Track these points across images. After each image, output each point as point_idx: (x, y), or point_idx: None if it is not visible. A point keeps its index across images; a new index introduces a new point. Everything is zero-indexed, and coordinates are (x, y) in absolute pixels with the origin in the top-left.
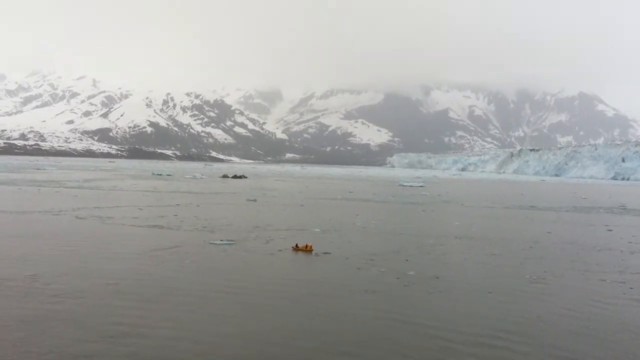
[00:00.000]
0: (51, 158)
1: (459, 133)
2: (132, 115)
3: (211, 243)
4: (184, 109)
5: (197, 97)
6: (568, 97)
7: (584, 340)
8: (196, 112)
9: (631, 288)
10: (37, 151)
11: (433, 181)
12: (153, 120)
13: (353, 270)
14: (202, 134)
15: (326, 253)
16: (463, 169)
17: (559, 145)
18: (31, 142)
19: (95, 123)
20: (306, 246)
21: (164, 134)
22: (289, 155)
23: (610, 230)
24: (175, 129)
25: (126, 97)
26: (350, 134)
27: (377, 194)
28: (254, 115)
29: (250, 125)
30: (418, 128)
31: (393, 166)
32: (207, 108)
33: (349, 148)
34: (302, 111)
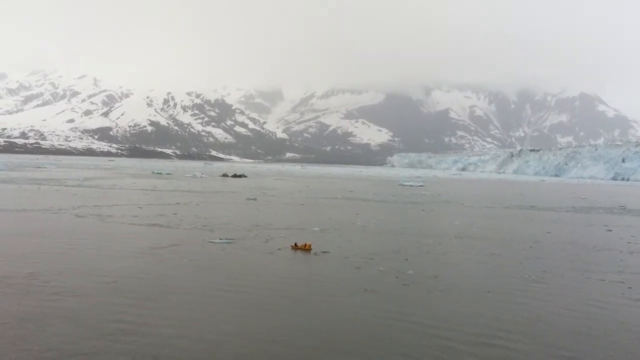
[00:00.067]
0: (51, 156)
1: (460, 133)
2: (133, 114)
3: (210, 242)
4: (184, 108)
5: (197, 96)
6: (569, 98)
7: (583, 340)
8: (197, 112)
9: (630, 288)
10: (37, 150)
11: (433, 181)
12: (153, 119)
13: (352, 269)
14: (203, 133)
15: (325, 252)
16: (463, 169)
17: (559, 146)
18: (32, 141)
19: (96, 122)
20: (305, 245)
21: (165, 133)
22: (289, 155)
23: (610, 231)
24: (176, 128)
25: (127, 96)
26: (350, 134)
27: (377, 193)
28: (254, 115)
29: (251, 125)
30: (418, 128)
31: (393, 166)
32: (207, 107)
33: (349, 148)
34: (303, 111)
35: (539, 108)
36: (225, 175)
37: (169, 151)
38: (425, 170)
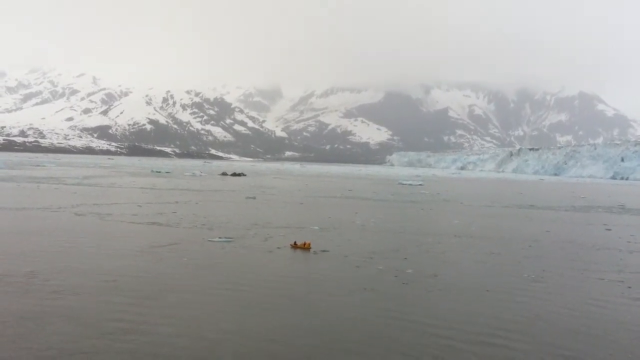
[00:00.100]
0: (50, 155)
1: (459, 132)
2: (132, 113)
3: (210, 240)
4: (183, 107)
5: (197, 95)
6: (568, 97)
7: (583, 339)
8: (196, 110)
9: (629, 287)
10: (36, 148)
11: (432, 180)
12: (153, 117)
13: (352, 268)
14: (202, 131)
15: (325, 251)
16: (462, 168)
17: (558, 145)
18: (31, 139)
19: (95, 120)
20: (304, 244)
21: (164, 131)
22: (288, 154)
23: (609, 230)
24: (175, 126)
25: (126, 94)
26: (349, 133)
27: (376, 192)
28: (253, 113)
29: (250, 123)
30: (418, 127)
31: (392, 165)
32: (207, 106)
33: (348, 146)
34: (302, 109)
35: (538, 107)
36: (224, 173)
37: (168, 149)
38: (425, 169)
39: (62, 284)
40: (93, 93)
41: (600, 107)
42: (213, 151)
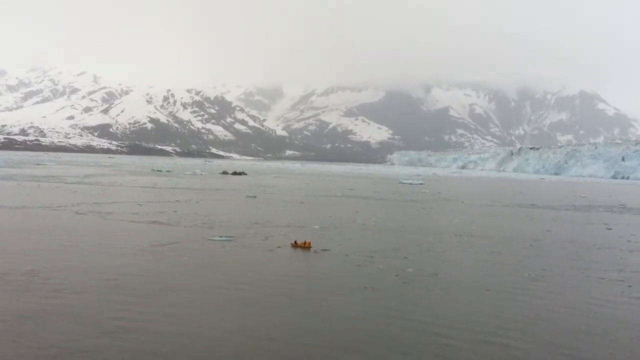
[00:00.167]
0: (51, 153)
1: (459, 131)
2: (133, 112)
3: (210, 239)
4: (184, 106)
5: (197, 93)
6: (569, 96)
7: (583, 338)
8: (196, 109)
9: (630, 286)
10: (37, 146)
11: (433, 179)
12: (153, 116)
13: (352, 267)
14: (202, 130)
15: (325, 250)
16: (463, 167)
17: (559, 144)
18: (31, 138)
19: (96, 119)
20: (305, 243)
21: (164, 130)
22: (289, 152)
23: (610, 229)
24: (176, 125)
25: (126, 93)
26: (350, 132)
27: (377, 191)
28: (254, 112)
29: (251, 122)
30: (418, 126)
31: (393, 164)
32: (207, 105)
33: (349, 145)
34: (303, 108)
35: (539, 106)
36: (225, 172)
37: (168, 148)
38: (425, 168)
39: (62, 283)
40: (94, 92)
41: (601, 106)
42: (214, 150)
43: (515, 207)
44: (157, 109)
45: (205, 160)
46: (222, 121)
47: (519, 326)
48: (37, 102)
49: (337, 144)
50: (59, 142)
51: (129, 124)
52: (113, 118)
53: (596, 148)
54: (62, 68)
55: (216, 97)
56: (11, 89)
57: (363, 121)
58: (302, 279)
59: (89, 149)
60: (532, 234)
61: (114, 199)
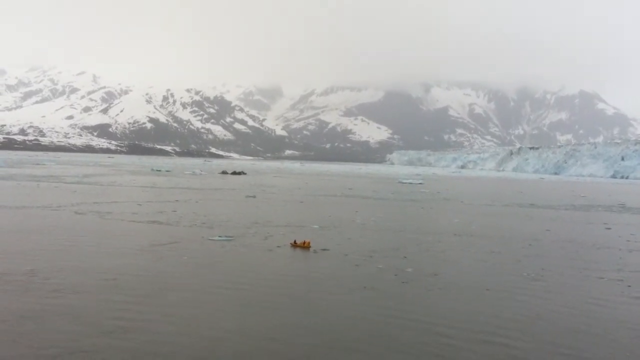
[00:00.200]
0: (50, 153)
1: (459, 131)
2: (132, 111)
3: (210, 239)
4: (183, 105)
5: (197, 93)
6: (568, 96)
7: (583, 338)
8: (196, 109)
9: (629, 286)
10: (36, 146)
11: (432, 179)
12: (153, 116)
13: (352, 267)
14: (202, 130)
15: (325, 250)
16: (462, 167)
17: (558, 144)
18: (31, 137)
19: (95, 118)
20: (304, 242)
21: (164, 129)
22: (288, 152)
23: (609, 229)
24: (175, 125)
25: (126, 92)
26: (350, 131)
27: (376, 191)
28: (253, 112)
29: (250, 122)
30: (418, 125)
31: (392, 163)
32: (207, 104)
33: (348, 145)
34: (302, 108)
35: (538, 106)
36: (224, 172)
37: (168, 148)
38: (425, 167)
39: (62, 283)
40: (93, 91)
41: (601, 105)
42: (213, 150)
43: (515, 207)
44: (156, 108)
45: (205, 160)
46: (222, 121)
47: (519, 326)
48: (37, 102)
49: (336, 144)
50: (58, 141)
51: (129, 123)
52: (112, 118)
53: (596, 148)
54: (61, 68)
55: (216, 97)
56: (10, 88)
57: (362, 121)
58: (302, 279)
59: (88, 149)
60: (531, 233)
61: (114, 199)
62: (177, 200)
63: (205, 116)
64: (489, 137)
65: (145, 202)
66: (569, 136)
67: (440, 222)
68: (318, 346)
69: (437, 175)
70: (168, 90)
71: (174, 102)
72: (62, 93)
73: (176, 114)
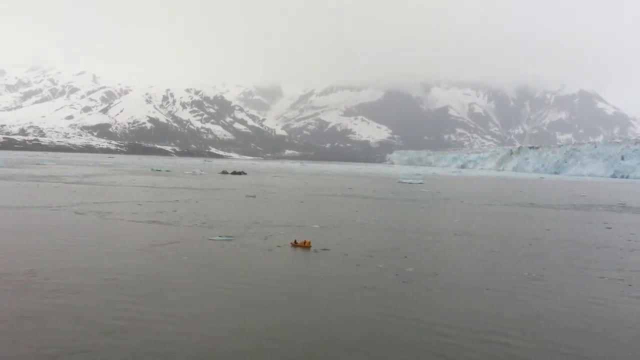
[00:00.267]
0: (50, 153)
1: (459, 130)
2: (132, 111)
3: (210, 239)
4: (183, 105)
5: (196, 93)
6: (568, 95)
7: (583, 337)
8: (196, 108)
9: (630, 285)
10: (36, 146)
11: (432, 178)
12: (152, 116)
13: (352, 266)
14: (202, 130)
15: (325, 249)
16: (462, 166)
17: (558, 143)
18: (30, 137)
19: (95, 118)
20: (305, 242)
21: (164, 129)
22: (288, 152)
23: (609, 228)
24: (175, 124)
25: (126, 92)
26: (349, 131)
27: (376, 190)
28: (253, 112)
29: (250, 122)
30: (418, 125)
31: (392, 163)
32: (206, 104)
33: (348, 145)
34: (302, 108)
35: (538, 105)
36: (224, 172)
37: (168, 148)
38: (425, 167)
39: (62, 283)
40: (93, 91)
41: (600, 105)
42: (213, 149)
43: (515, 206)
44: (156, 108)
45: (205, 160)
46: (222, 121)
47: (519, 325)
48: (37, 102)
49: (336, 144)
50: (58, 141)
51: (129, 123)
52: (112, 118)
53: (596, 147)
54: (61, 68)
55: (215, 97)
56: (10, 88)
57: (362, 120)
58: (302, 279)
59: (88, 149)
60: (531, 233)
61: (114, 199)
62: (177, 200)
63: (205, 116)
64: (489, 137)
65: (145, 202)
66: (569, 136)
67: (440, 221)
68: (318, 346)
69: (437, 175)
70: (168, 90)
71: (174, 102)
72: (62, 93)
73: (176, 114)
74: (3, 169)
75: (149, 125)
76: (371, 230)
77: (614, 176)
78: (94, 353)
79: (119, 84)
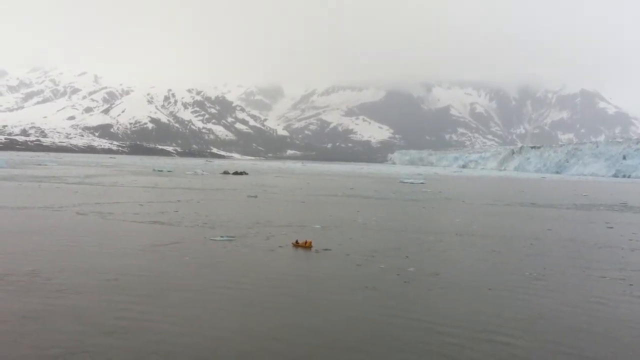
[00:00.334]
0: (52, 154)
1: (460, 130)
2: (133, 111)
3: (212, 239)
4: (185, 105)
5: (198, 93)
6: (570, 95)
7: (585, 337)
8: (197, 109)
9: (631, 285)
10: (38, 147)
11: (434, 178)
12: (154, 116)
13: (353, 266)
14: (203, 130)
15: (326, 250)
16: (464, 166)
17: (560, 143)
18: (32, 138)
19: (97, 119)
20: (306, 242)
21: (165, 130)
22: (290, 152)
23: (611, 228)
24: (177, 125)
25: (127, 93)
26: (351, 131)
27: (378, 190)
28: (255, 112)
29: (252, 122)
30: (419, 125)
31: (394, 163)
32: (208, 104)
33: (350, 145)
34: (304, 108)
35: (539, 105)
36: (226, 172)
37: (169, 148)
38: (426, 167)
39: (64, 283)
40: (94, 92)
41: (602, 104)
42: (214, 150)
43: (516, 206)
44: (157, 108)
45: (206, 160)
46: (223, 121)
47: (521, 325)
48: (38, 103)
49: (338, 144)
50: (60, 142)
51: (130, 124)
52: (114, 118)
53: (597, 147)
54: (62, 68)
55: (217, 97)
56: (12, 89)
57: (364, 120)
58: (304, 279)
59: (90, 149)
60: (533, 232)
61: (115, 199)
62: (178, 201)
63: (207, 116)
64: (490, 137)
65: (147, 203)
66: (571, 135)
67: (441, 221)
68: (320, 346)
69: (438, 175)
70: (169, 90)
71: (175, 102)
72: (64, 94)
73: (177, 114)
74: (5, 170)
75: (150, 125)
76: (372, 231)
77: (615, 176)
78: (96, 353)
79: (121, 85)
